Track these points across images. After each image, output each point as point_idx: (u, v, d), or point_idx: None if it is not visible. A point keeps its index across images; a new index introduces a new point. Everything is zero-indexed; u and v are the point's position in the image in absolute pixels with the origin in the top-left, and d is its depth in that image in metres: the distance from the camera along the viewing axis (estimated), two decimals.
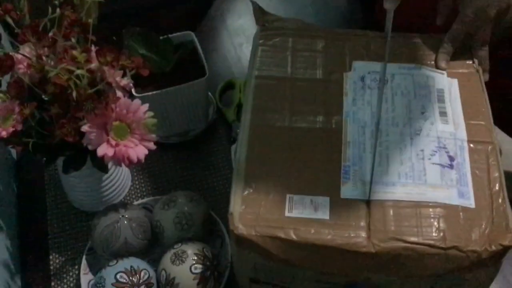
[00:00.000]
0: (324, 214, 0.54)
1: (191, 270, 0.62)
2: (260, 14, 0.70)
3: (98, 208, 0.72)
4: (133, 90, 0.71)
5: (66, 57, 0.52)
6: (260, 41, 0.68)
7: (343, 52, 0.67)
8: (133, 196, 0.77)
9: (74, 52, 0.52)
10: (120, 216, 0.67)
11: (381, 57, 0.66)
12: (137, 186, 0.78)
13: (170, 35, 0.77)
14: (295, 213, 0.54)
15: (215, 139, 0.84)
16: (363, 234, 0.52)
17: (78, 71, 0.53)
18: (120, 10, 0.76)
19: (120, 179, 0.75)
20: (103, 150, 0.60)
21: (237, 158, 0.58)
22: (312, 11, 0.97)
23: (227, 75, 0.91)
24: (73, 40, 0.59)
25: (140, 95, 0.72)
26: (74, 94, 0.57)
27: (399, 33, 0.69)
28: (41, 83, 0.60)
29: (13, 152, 0.83)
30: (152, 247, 0.69)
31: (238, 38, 0.97)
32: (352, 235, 0.52)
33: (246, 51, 0.93)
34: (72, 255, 0.72)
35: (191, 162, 0.81)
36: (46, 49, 0.58)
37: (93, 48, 0.59)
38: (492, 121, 0.61)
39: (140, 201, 0.75)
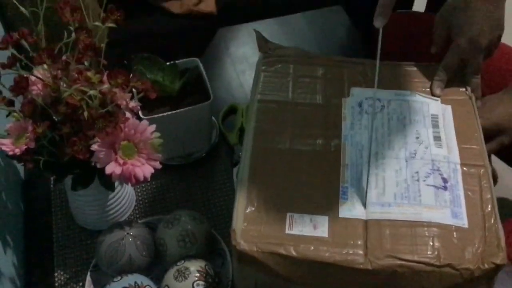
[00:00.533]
0: (323, 232, 0.56)
1: (193, 287, 0.64)
2: (262, 42, 0.74)
3: (103, 226, 0.74)
4: (140, 113, 0.74)
5: (80, 78, 0.55)
6: (263, 67, 0.71)
7: (342, 78, 0.70)
8: (138, 215, 0.79)
9: (89, 74, 0.55)
10: (125, 234, 0.69)
11: (380, 83, 0.69)
12: (142, 206, 0.81)
13: (176, 61, 0.80)
14: (295, 231, 0.56)
15: (217, 162, 0.86)
16: (360, 251, 0.55)
17: (91, 92, 0.56)
18: (128, 37, 0.79)
19: (125, 199, 0.77)
20: (111, 168, 0.63)
21: (240, 177, 0.60)
22: (312, 40, 1.01)
23: (230, 100, 0.94)
24: (86, 63, 0.62)
25: (147, 117, 0.74)
26: (85, 114, 0.60)
27: (395, 62, 0.72)
28: (53, 104, 0.63)
29: (21, 171, 0.86)
30: (156, 264, 0.71)
31: (240, 65, 1.00)
32: (350, 252, 0.54)
33: (248, 77, 0.97)
34: (77, 272, 0.74)
35: (194, 183, 0.83)
36: (59, 71, 0.61)
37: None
38: (484, 145, 0.64)
39: (144, 219, 0.77)
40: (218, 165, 0.86)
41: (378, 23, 0.59)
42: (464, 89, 0.70)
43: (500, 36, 0.70)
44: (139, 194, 0.82)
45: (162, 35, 0.94)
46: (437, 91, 0.69)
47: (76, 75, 0.56)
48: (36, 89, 0.64)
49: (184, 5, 1.03)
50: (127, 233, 0.69)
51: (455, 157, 0.63)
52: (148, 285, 0.66)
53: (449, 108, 0.68)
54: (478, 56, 0.70)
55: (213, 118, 0.87)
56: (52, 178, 0.83)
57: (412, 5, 1.18)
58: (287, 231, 0.56)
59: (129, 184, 0.66)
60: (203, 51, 1.01)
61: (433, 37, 0.73)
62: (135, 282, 0.65)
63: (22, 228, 0.79)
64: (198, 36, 1.03)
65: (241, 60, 1.01)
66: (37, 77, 0.63)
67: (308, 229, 0.56)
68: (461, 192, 0.59)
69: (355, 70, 0.71)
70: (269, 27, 1.03)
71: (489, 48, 0.70)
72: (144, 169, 0.65)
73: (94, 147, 0.62)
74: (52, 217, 0.80)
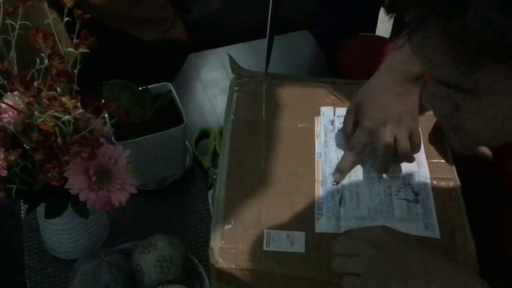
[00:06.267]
0: (300, 248, 0.56)
1: None
2: (235, 64, 0.76)
3: (77, 255, 0.72)
4: (112, 138, 0.74)
5: (55, 104, 0.55)
6: (236, 88, 0.72)
7: (313, 98, 0.72)
8: (112, 243, 0.78)
9: (64, 99, 0.55)
10: (101, 261, 0.68)
11: (347, 101, 0.72)
12: (117, 232, 0.80)
13: (148, 86, 0.81)
14: (272, 247, 0.56)
15: (192, 186, 0.86)
16: (337, 265, 0.55)
17: (66, 117, 0.56)
18: (100, 63, 0.80)
19: (99, 226, 0.76)
20: (86, 194, 0.62)
21: (216, 197, 0.61)
22: (280, 63, 1.04)
23: (202, 125, 0.94)
24: (58, 89, 0.62)
25: (120, 142, 0.74)
26: (59, 140, 0.59)
27: (363, 80, 0.75)
28: (25, 131, 0.62)
29: None
30: None
31: (212, 89, 1.01)
32: (327, 267, 0.55)
33: (219, 101, 0.98)
34: None
35: (169, 208, 0.83)
36: (32, 98, 0.61)
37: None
38: (451, 159, 0.66)
39: (120, 246, 0.76)
40: (193, 189, 0.86)
41: (337, 178, 0.63)
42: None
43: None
44: (114, 220, 0.81)
45: (134, 62, 0.95)
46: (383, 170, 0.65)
47: (49, 102, 0.56)
48: (7, 116, 0.63)
49: (154, 32, 1.04)
50: (103, 261, 0.68)
51: (425, 171, 0.65)
52: None
53: None
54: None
55: (186, 142, 0.88)
56: (22, 207, 0.81)
57: (375, 29, 1.23)
58: (264, 248, 0.56)
59: (103, 211, 0.65)
60: (174, 76, 1.02)
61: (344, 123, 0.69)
62: None
63: None
64: (170, 62, 1.04)
65: (212, 84, 1.02)
66: (8, 104, 0.62)
67: (285, 245, 0.56)
68: (432, 205, 0.61)
69: (326, 89, 0.73)
70: (238, 52, 1.05)
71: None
72: (119, 194, 0.64)
73: (68, 173, 0.62)
74: (23, 248, 0.78)
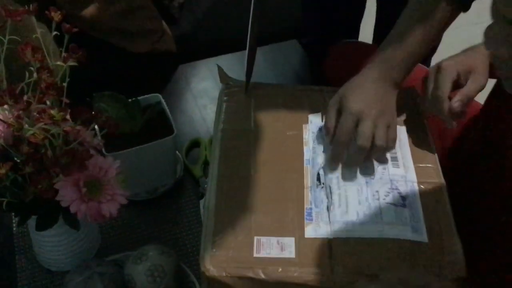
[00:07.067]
0: (290, 253, 0.57)
1: None
2: (224, 74, 0.76)
3: (69, 267, 0.72)
4: (103, 149, 0.74)
5: (44, 117, 0.55)
6: (225, 98, 0.73)
7: (302, 106, 0.73)
8: (104, 254, 0.78)
9: (52, 112, 0.55)
10: (92, 272, 0.68)
11: None
12: (108, 243, 0.80)
13: (138, 97, 0.82)
14: (262, 254, 0.57)
15: (183, 195, 0.87)
16: (327, 269, 0.56)
17: (54, 130, 0.57)
18: (89, 76, 0.80)
19: (90, 237, 0.77)
20: (76, 206, 0.63)
21: (206, 205, 0.61)
22: (269, 72, 1.05)
23: (193, 135, 0.95)
24: (47, 102, 0.63)
25: (111, 154, 0.75)
26: (48, 153, 0.60)
27: None
28: (15, 144, 0.63)
29: None
30: None
31: (202, 100, 1.02)
32: (317, 271, 0.56)
33: (210, 111, 0.99)
34: None
35: (160, 218, 0.83)
36: (21, 111, 0.61)
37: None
38: (438, 163, 0.67)
39: (111, 257, 0.76)
40: (185, 199, 0.86)
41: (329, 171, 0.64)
42: (416, 112, 0.74)
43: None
44: (106, 231, 0.81)
45: (124, 74, 0.95)
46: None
47: (38, 115, 0.56)
48: None
49: (143, 44, 1.05)
50: (94, 272, 0.68)
51: (412, 175, 0.65)
52: None
53: (403, 129, 0.71)
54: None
55: (177, 152, 0.88)
56: (14, 220, 0.81)
57: (358, 35, 1.25)
58: (255, 255, 0.57)
59: (94, 222, 0.65)
60: (165, 87, 1.02)
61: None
62: None
63: None
64: (159, 73, 1.05)
65: (202, 94, 1.03)
66: None
67: (276, 251, 0.57)
68: (419, 208, 0.62)
69: (314, 97, 0.74)
70: (228, 62, 1.06)
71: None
72: (110, 205, 0.65)
73: (58, 185, 0.62)
74: (15, 260, 0.78)
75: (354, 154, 0.65)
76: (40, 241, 0.74)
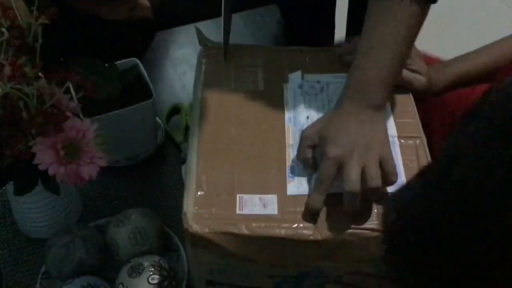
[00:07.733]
0: (273, 210, 0.57)
1: (148, 281, 0.63)
2: (202, 36, 0.75)
3: (48, 235, 0.71)
4: (80, 114, 0.73)
5: (16, 75, 0.53)
6: (204, 60, 0.72)
7: (282, 66, 0.72)
8: (86, 220, 0.78)
9: (25, 69, 0.54)
10: (74, 237, 0.68)
11: (315, 68, 0.72)
12: (90, 210, 0.79)
13: (115, 62, 0.80)
14: (245, 211, 0.57)
15: (165, 161, 0.86)
16: (310, 224, 0.56)
17: (28, 89, 0.55)
18: (65, 45, 0.78)
19: (71, 204, 0.76)
20: (55, 168, 0.61)
21: (188, 164, 0.60)
22: (249, 37, 1.04)
23: (173, 101, 0.94)
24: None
25: (88, 118, 0.73)
26: (24, 114, 0.58)
27: (331, 47, 0.75)
28: None
29: None
30: (108, 265, 0.70)
31: (181, 67, 1.01)
32: (300, 226, 0.56)
33: (189, 78, 0.97)
34: (26, 282, 0.71)
35: (142, 184, 0.83)
36: None
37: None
38: (418, 118, 0.67)
39: (94, 222, 0.75)
40: (166, 165, 0.86)
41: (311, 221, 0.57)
42: None
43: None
44: (87, 198, 0.80)
45: (101, 42, 0.93)
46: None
47: (11, 72, 0.55)
48: None
49: (119, 12, 1.03)
50: (76, 236, 0.68)
51: (393, 130, 0.65)
52: (101, 285, 0.65)
53: None
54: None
55: (157, 119, 0.87)
56: None
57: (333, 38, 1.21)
58: (238, 212, 0.56)
59: (73, 185, 0.64)
60: (143, 55, 1.00)
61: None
62: (88, 284, 0.64)
63: None
64: (137, 41, 1.03)
65: (181, 61, 1.01)
66: None
67: (258, 209, 0.57)
68: (400, 162, 0.62)
69: (294, 57, 0.73)
70: (207, 28, 1.03)
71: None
72: (89, 168, 0.64)
73: (36, 148, 0.61)
74: None
75: (346, 199, 0.56)
76: (20, 208, 0.73)
